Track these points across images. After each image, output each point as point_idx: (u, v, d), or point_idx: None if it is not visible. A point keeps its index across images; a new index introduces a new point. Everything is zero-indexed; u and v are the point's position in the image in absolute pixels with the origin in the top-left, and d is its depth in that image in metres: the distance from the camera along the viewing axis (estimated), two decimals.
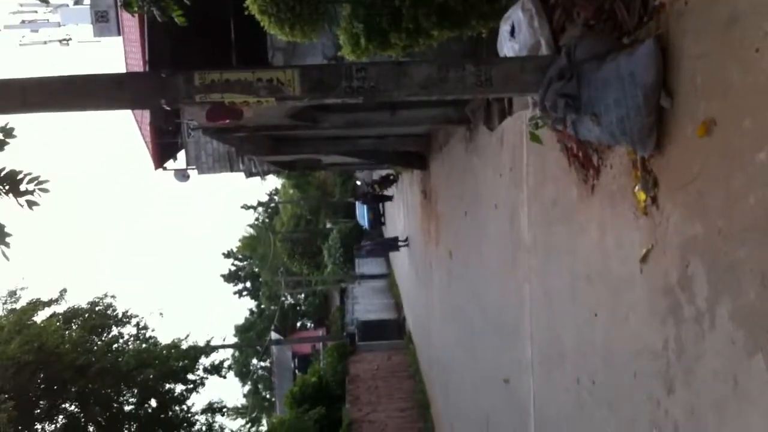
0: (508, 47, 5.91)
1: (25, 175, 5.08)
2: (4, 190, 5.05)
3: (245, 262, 63.83)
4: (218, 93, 4.60)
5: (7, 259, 4.99)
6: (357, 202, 38.36)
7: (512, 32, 5.78)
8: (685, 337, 4.06)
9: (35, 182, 5.08)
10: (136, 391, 20.28)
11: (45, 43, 28.77)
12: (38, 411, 18.22)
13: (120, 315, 21.64)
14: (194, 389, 21.88)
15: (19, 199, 5.08)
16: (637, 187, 4.50)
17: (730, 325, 3.54)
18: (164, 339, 22.16)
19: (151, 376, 20.11)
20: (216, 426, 23.06)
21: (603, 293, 5.44)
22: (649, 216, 4.43)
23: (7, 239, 4.95)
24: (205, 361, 22.91)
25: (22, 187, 5.06)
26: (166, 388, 21.05)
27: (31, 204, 5.08)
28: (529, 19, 5.52)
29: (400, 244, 25.87)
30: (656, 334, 4.44)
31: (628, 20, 4.45)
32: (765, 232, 3.21)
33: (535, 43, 5.45)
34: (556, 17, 5.46)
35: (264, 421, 51.49)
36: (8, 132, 5.08)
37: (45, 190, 5.12)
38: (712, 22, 3.60)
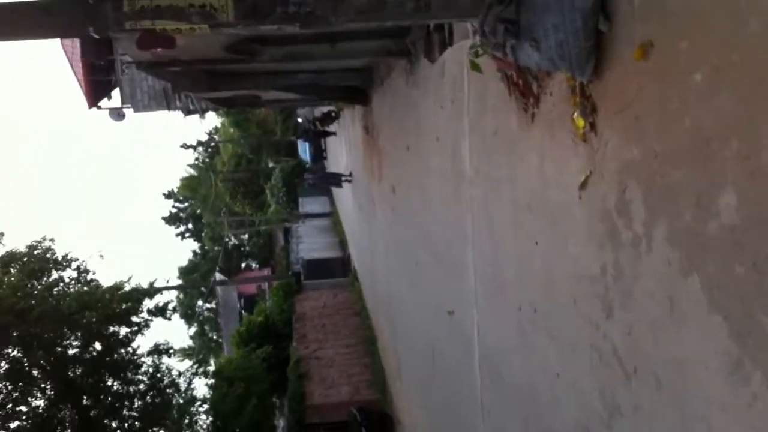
0: None
1: None
2: None
3: (186, 204, 63.10)
4: (149, 20, 4.41)
5: None
6: (299, 141, 38.13)
7: None
8: (622, 261, 4.12)
9: None
10: (79, 334, 20.10)
11: None
12: None
13: (60, 258, 21.29)
14: (139, 331, 21.81)
15: None
16: (575, 114, 4.49)
17: (667, 247, 3.59)
18: (106, 282, 21.98)
19: (94, 320, 19.95)
20: (163, 367, 23.06)
21: (543, 222, 5.48)
22: (587, 142, 4.44)
23: None
24: (149, 304, 22.80)
25: None
26: (110, 331, 20.91)
27: None
28: None
29: (343, 179, 25.80)
30: (594, 259, 4.50)
31: None
32: (700, 153, 3.24)
33: None
34: None
35: (212, 362, 51.73)
36: None
37: None
38: None
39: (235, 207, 52.44)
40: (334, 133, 30.09)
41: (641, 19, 3.68)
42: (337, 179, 27.08)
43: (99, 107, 20.85)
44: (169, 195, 63.16)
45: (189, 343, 57.96)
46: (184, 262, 61.58)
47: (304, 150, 37.76)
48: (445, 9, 4.50)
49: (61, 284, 21.06)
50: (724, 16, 3.03)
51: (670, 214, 3.53)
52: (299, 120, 44.23)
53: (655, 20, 3.56)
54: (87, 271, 21.81)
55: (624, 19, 3.84)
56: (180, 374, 23.69)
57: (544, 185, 5.34)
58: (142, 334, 21.89)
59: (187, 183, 59.70)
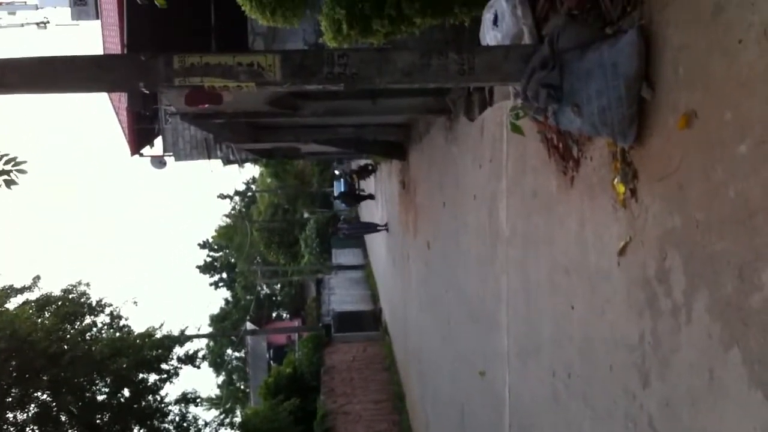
0: (490, 36, 5.88)
1: (2, 156, 5.02)
2: None
3: (221, 253, 63.51)
4: (198, 77, 4.52)
5: None
6: (336, 201, 38.68)
7: (495, 21, 5.75)
8: (661, 330, 4.06)
9: (12, 163, 5.02)
10: (109, 380, 20.09)
11: (22, 25, 28.37)
12: (10, 399, 18.01)
13: (94, 303, 21.43)
14: (168, 379, 21.74)
15: None
16: (616, 179, 4.49)
17: (707, 318, 3.54)
18: (138, 328, 22.03)
19: (125, 365, 19.94)
20: (189, 416, 22.93)
21: (580, 285, 5.44)
22: (627, 208, 4.43)
23: None
24: (179, 351, 22.79)
25: None
26: (140, 377, 20.90)
27: (9, 183, 5.02)
28: (512, 7, 5.49)
29: (378, 228, 25.72)
30: (633, 326, 4.44)
31: (611, 10, 4.43)
32: (744, 224, 3.21)
33: (518, 32, 5.42)
34: (539, 6, 5.44)
35: (238, 412, 51.39)
36: None
37: (22, 171, 5.06)
38: (696, 13, 3.59)
39: (269, 256, 52.69)
40: (372, 198, 30.16)
41: (685, 88, 3.70)
42: (371, 228, 27.02)
43: (141, 154, 21.29)
44: (204, 245, 63.70)
45: (216, 392, 57.80)
46: (216, 310, 61.84)
47: (338, 188, 38.85)
48: (489, 73, 4.56)
49: (94, 329, 21.13)
50: None
51: (712, 285, 3.49)
52: (336, 172, 44.71)
53: (699, 89, 3.57)
54: (120, 317, 21.88)
55: (668, 86, 3.86)
56: (206, 424, 23.51)
57: (583, 249, 5.31)
58: (171, 382, 21.83)
59: (223, 231, 60.24)
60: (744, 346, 3.23)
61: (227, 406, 55.09)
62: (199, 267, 63.34)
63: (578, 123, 4.37)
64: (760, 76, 3.09)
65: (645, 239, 4.22)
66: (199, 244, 63.74)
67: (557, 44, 4.37)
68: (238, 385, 60.48)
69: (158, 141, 21.33)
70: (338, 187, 40.43)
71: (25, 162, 5.07)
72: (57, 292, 21.04)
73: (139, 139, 20.48)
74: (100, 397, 20.26)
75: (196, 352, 23.83)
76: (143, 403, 20.85)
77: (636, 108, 4.03)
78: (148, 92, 5.02)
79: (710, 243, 3.49)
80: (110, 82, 4.88)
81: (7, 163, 5.01)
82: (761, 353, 3.11)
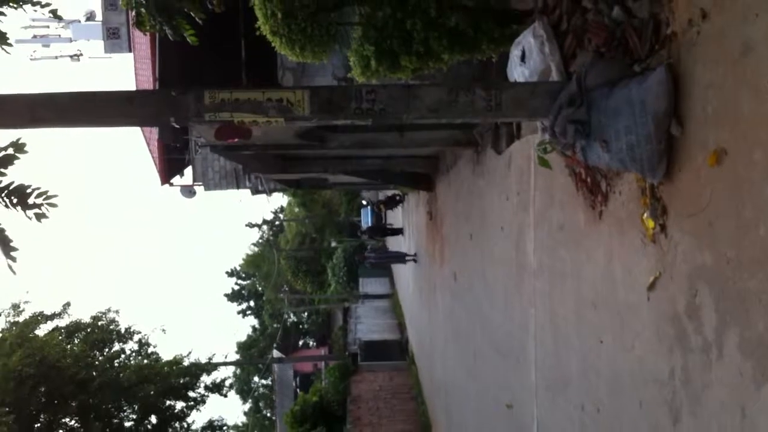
0: (518, 72, 5.92)
1: (34, 189, 5.09)
2: (12, 204, 5.05)
3: (248, 281, 63.75)
4: (228, 112, 4.59)
5: (14, 273, 4.97)
6: (364, 235, 38.81)
7: (523, 57, 5.79)
8: (692, 367, 4.03)
9: (43, 196, 5.09)
10: (136, 407, 20.28)
11: (56, 58, 28.98)
12: (38, 425, 18.23)
13: (123, 330, 21.67)
14: (195, 406, 21.86)
15: (27, 212, 5.08)
16: (645, 215, 4.49)
17: (738, 355, 3.51)
18: (166, 355, 22.22)
19: (152, 393, 20.11)
20: None
21: (609, 320, 5.40)
22: (657, 244, 4.41)
23: (14, 253, 4.94)
24: (206, 379, 22.91)
25: (30, 201, 5.06)
26: (167, 404, 21.05)
27: (39, 216, 5.08)
28: (540, 44, 5.53)
29: (407, 258, 25.62)
30: (663, 362, 4.40)
31: (639, 48, 4.45)
32: None
33: (546, 68, 5.45)
34: (567, 43, 5.47)
35: None
36: (20, 147, 5.08)
37: (53, 205, 5.12)
38: (724, 52, 3.61)
39: (296, 285, 52.78)
40: (401, 233, 30.15)
41: (714, 126, 3.70)
42: (400, 257, 26.92)
43: (171, 184, 21.55)
44: (231, 273, 64.04)
45: (243, 419, 57.72)
46: (243, 337, 61.98)
47: (365, 219, 39.14)
48: (516, 109, 4.59)
49: (123, 356, 21.39)
50: None
51: (743, 323, 3.47)
52: (363, 202, 44.84)
53: (728, 127, 3.58)
54: (148, 344, 22.15)
55: (697, 124, 3.87)
56: None
57: (611, 283, 5.28)
58: (198, 409, 21.95)
59: (251, 260, 60.53)
60: None
61: None
62: (227, 295, 63.64)
63: (606, 158, 4.38)
64: None
65: (675, 275, 4.19)
66: (227, 272, 64.14)
67: (585, 81, 4.40)
68: (264, 412, 60.34)
69: (188, 171, 21.59)
70: (365, 216, 40.57)
71: (56, 196, 5.13)
72: (87, 319, 21.37)
73: (169, 169, 20.75)
74: (127, 424, 20.46)
75: (222, 381, 23.98)
76: (170, 430, 20.97)
77: (665, 144, 4.04)
78: (178, 126, 5.11)
79: (741, 280, 3.47)
80: (141, 118, 4.99)
81: (38, 196, 5.08)
82: None
